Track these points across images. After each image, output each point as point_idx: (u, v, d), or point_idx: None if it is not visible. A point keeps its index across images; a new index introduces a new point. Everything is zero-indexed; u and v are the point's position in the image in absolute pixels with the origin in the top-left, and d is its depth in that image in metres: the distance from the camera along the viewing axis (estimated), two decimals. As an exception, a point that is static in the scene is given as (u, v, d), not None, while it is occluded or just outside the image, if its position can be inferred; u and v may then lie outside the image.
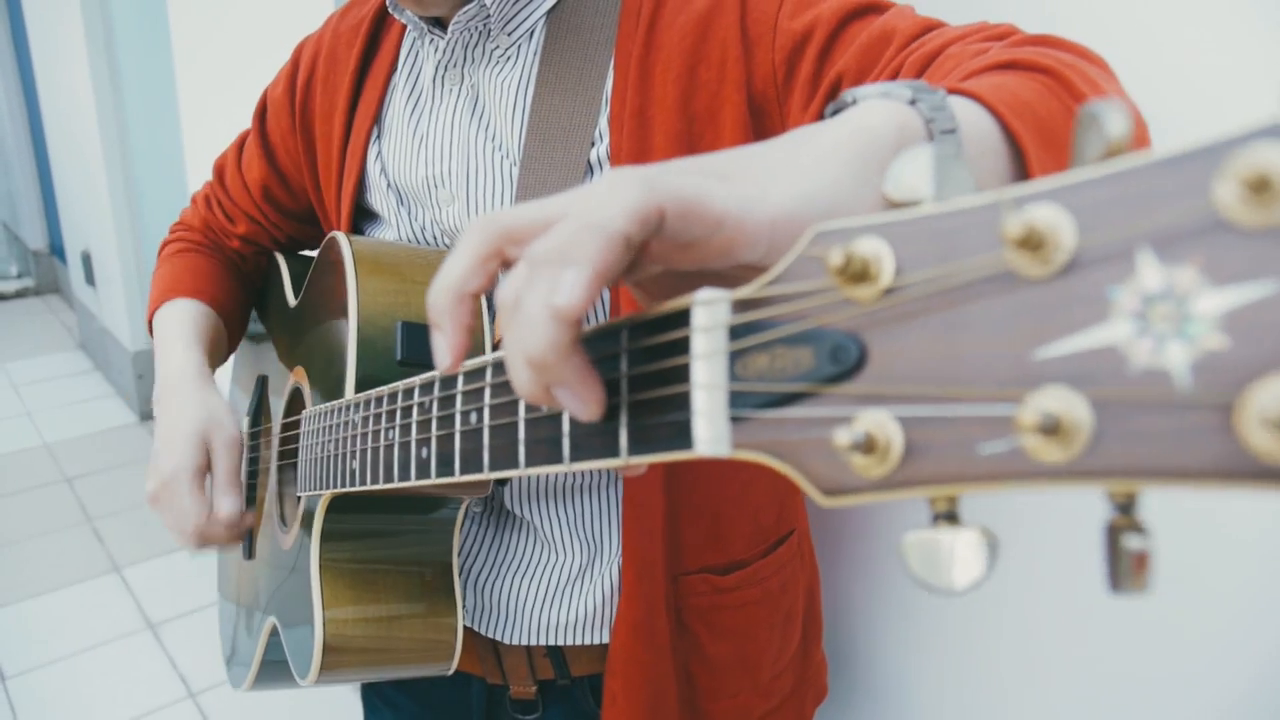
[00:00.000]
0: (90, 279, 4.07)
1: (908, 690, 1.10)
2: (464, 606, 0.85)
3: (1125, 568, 0.22)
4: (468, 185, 0.79)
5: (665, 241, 0.32)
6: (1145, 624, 0.84)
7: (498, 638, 0.85)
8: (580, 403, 0.33)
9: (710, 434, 0.29)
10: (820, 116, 0.66)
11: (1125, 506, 0.22)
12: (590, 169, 0.74)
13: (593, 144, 0.74)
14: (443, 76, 0.81)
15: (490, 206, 0.78)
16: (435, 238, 0.84)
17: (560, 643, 0.85)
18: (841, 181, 0.35)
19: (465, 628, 0.84)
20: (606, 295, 0.75)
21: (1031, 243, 0.21)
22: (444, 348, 0.38)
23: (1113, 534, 0.22)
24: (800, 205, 0.34)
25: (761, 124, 0.72)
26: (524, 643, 0.85)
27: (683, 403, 0.30)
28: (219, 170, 1.06)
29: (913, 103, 0.40)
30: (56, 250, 5.21)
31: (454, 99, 0.80)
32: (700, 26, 0.71)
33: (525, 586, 0.84)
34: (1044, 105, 0.47)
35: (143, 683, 2.33)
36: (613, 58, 0.75)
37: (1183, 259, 0.20)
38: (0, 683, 2.32)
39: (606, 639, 0.84)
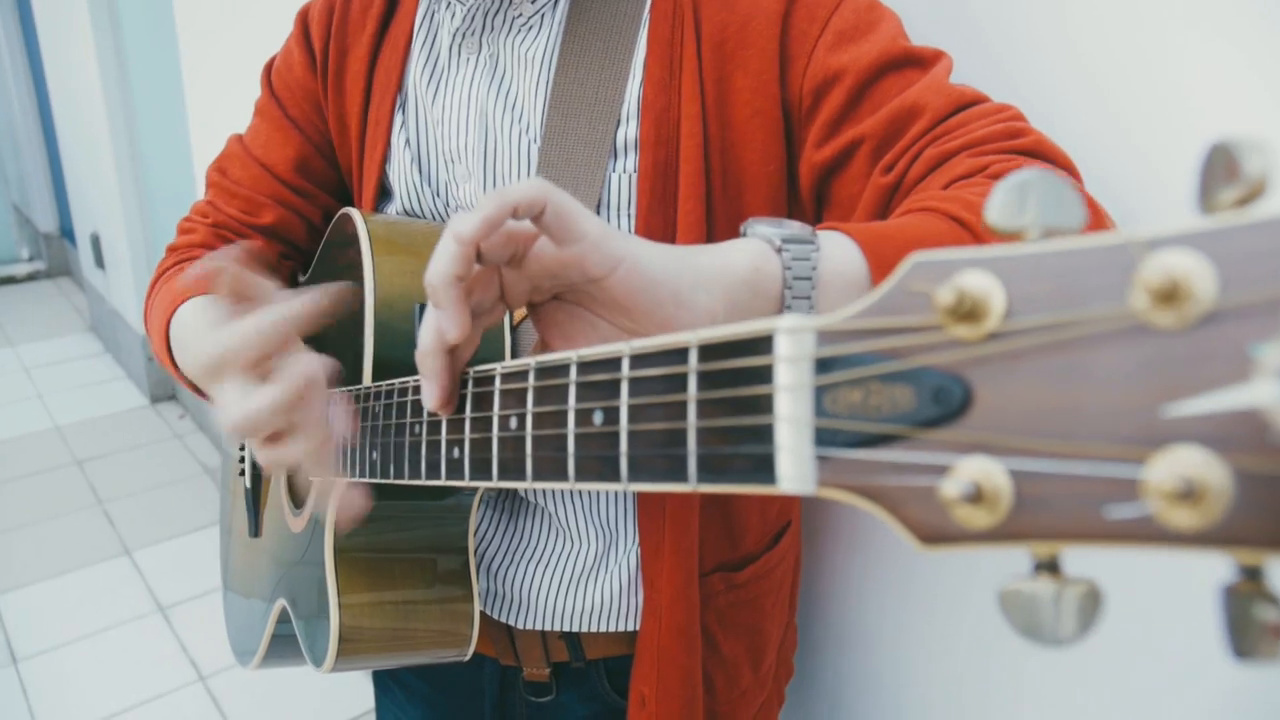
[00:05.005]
0: (100, 262, 4.07)
1: (874, 665, 1.09)
2: (479, 592, 0.85)
3: (1257, 639, 0.21)
4: (485, 161, 0.76)
5: (545, 229, 0.46)
6: (1131, 612, 0.82)
7: (513, 624, 0.85)
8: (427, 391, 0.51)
9: (795, 471, 0.27)
10: (831, 165, 0.70)
11: (1253, 572, 0.21)
12: (615, 151, 0.72)
13: (619, 123, 0.72)
14: (459, 45, 0.77)
15: (509, 183, 0.76)
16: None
17: (577, 630, 0.84)
18: (684, 276, 0.48)
19: (480, 613, 0.83)
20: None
21: (1167, 294, 0.20)
22: (449, 321, 0.48)
23: (1237, 599, 0.21)
24: (651, 266, 0.46)
25: (789, 134, 0.72)
26: (539, 629, 0.84)
27: (764, 435, 0.29)
28: (220, 173, 0.93)
29: (779, 250, 0.50)
30: (66, 233, 5.21)
31: (471, 69, 0.77)
32: (741, 30, 0.69)
33: (541, 574, 0.83)
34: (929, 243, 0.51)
35: (153, 666, 2.34)
36: (643, 30, 0.72)
37: (1339, 316, 0.19)
38: (12, 665, 2.33)
39: (623, 627, 0.83)
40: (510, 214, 0.45)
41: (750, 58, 0.69)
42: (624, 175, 0.72)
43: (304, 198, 0.92)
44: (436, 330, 0.48)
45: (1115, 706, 0.86)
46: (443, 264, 0.46)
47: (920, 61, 0.67)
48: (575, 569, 0.82)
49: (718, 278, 0.49)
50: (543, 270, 0.49)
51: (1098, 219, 0.59)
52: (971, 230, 0.55)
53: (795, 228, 0.51)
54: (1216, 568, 0.22)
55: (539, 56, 0.74)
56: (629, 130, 0.72)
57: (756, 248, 0.50)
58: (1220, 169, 0.22)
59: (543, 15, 0.74)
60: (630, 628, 0.83)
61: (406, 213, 0.84)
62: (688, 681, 0.81)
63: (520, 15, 0.74)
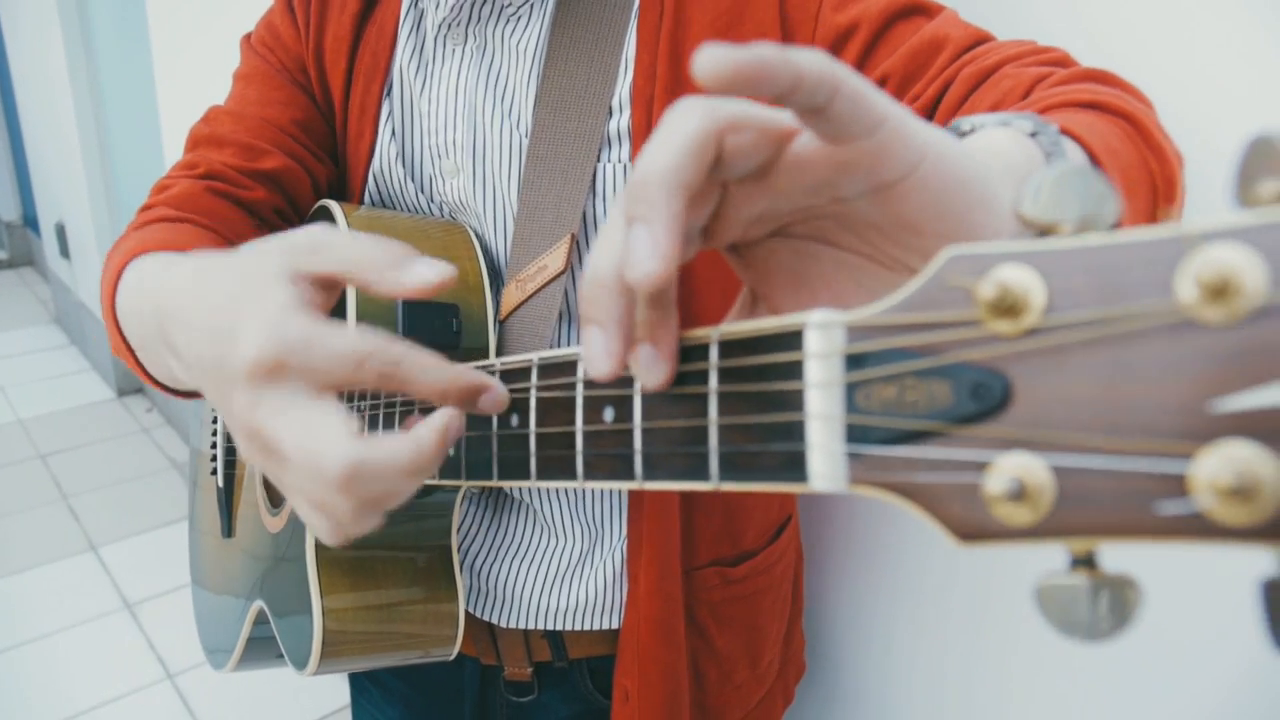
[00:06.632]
0: (65, 252, 3.99)
1: (886, 664, 1.10)
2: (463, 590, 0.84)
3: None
4: (474, 156, 0.75)
5: (830, 123, 0.31)
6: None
7: (495, 622, 0.84)
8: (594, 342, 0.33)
9: (828, 468, 0.27)
10: None
11: (1299, 565, 0.21)
12: (607, 142, 0.71)
13: (611, 115, 0.71)
14: (444, 36, 0.76)
15: (499, 180, 0.75)
16: (438, 213, 0.80)
17: (560, 628, 0.83)
18: (991, 166, 0.35)
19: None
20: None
21: (1218, 289, 0.20)
22: (646, 247, 0.30)
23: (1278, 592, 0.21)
24: (958, 158, 0.33)
25: None
26: (522, 627, 0.83)
27: (794, 432, 0.28)
28: (207, 125, 0.83)
29: (1033, 135, 0.40)
30: (30, 222, 5.10)
31: (457, 60, 0.75)
32: (733, 9, 0.68)
33: (525, 571, 0.82)
34: (1126, 154, 0.47)
35: (119, 664, 2.30)
36: (633, 20, 0.71)
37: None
38: (-26, 663, 2.28)
39: (607, 625, 0.83)
40: (787, 88, 0.30)
41: (747, 34, 0.68)
42: (617, 165, 0.71)
43: (311, 154, 0.83)
44: (631, 259, 0.31)
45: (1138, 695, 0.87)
46: (668, 158, 0.31)
47: (926, 10, 0.67)
48: (559, 565, 0.81)
49: (1005, 168, 0.37)
50: (800, 184, 0.34)
51: (1164, 167, 0.52)
52: (1136, 124, 0.50)
53: (1023, 117, 0.42)
54: (1256, 561, 0.22)
55: (529, 48, 0.73)
56: (621, 121, 0.71)
57: (1008, 133, 0.41)
58: (1261, 161, 0.22)
59: (531, 5, 0.73)
60: (614, 625, 0.83)
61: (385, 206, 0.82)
62: (669, 675, 0.81)
63: (509, 4, 0.73)
